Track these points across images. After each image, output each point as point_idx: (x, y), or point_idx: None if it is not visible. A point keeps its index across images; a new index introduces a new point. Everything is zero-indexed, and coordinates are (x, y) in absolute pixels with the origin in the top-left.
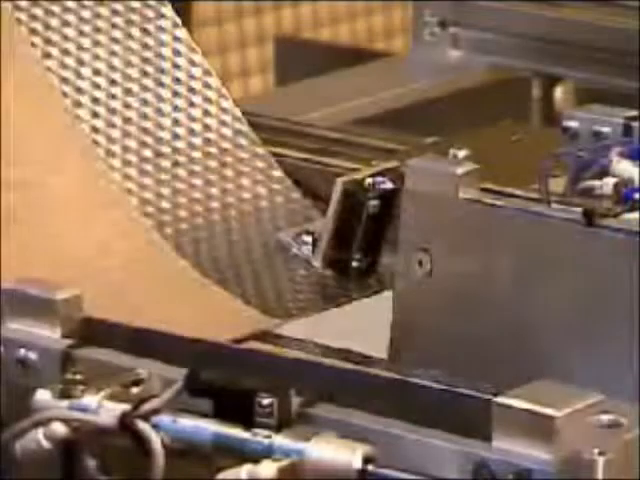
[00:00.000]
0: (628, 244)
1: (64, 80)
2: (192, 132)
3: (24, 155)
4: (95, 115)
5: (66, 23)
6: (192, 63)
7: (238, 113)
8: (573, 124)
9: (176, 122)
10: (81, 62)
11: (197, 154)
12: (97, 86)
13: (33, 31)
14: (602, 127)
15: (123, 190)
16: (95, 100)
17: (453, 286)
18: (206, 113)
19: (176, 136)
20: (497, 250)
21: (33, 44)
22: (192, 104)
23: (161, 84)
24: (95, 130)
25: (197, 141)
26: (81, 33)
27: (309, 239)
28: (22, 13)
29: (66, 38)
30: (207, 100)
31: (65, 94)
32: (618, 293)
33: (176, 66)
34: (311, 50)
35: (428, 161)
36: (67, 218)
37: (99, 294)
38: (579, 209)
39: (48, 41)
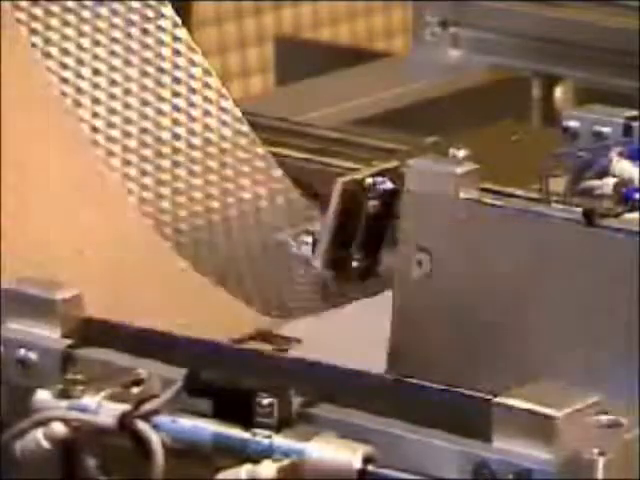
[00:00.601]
0: (628, 244)
1: (64, 80)
2: (192, 132)
3: (21, 154)
4: (95, 115)
5: (66, 23)
6: (192, 63)
7: (238, 113)
8: (573, 124)
9: (176, 122)
10: (81, 62)
11: (197, 154)
12: (97, 86)
13: (33, 31)
14: (602, 127)
15: (122, 190)
16: (95, 100)
17: (453, 286)
18: (206, 113)
19: (176, 136)
20: (497, 250)
21: (33, 44)
22: (192, 104)
23: (161, 84)
24: (95, 130)
25: (197, 141)
26: (81, 33)
27: (309, 239)
28: (22, 13)
29: (66, 38)
30: (207, 100)
31: (65, 94)
32: (618, 293)
33: (176, 66)
34: (311, 50)
35: (428, 161)
36: (64, 218)
37: (98, 294)
38: (579, 209)
39: (48, 41)
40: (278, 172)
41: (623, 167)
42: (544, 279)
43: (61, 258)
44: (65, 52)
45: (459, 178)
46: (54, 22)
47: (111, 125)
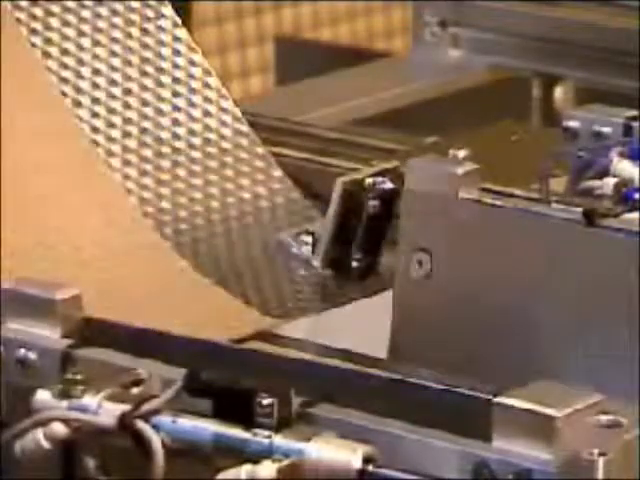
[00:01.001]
0: (628, 244)
1: (64, 80)
2: (192, 132)
3: (21, 152)
4: (95, 115)
5: (66, 23)
6: (192, 63)
7: (238, 113)
8: (573, 124)
9: (176, 122)
10: (81, 62)
11: (197, 154)
12: (97, 86)
13: (33, 31)
14: (602, 127)
15: (123, 190)
16: (95, 100)
17: (453, 286)
18: (206, 113)
19: (176, 136)
20: (497, 250)
21: (33, 44)
22: (192, 104)
23: (161, 84)
24: (95, 130)
25: (197, 141)
26: (81, 33)
27: (309, 239)
28: (22, 13)
29: (66, 38)
30: (207, 100)
31: (65, 94)
32: (618, 293)
33: (176, 66)
34: (311, 50)
35: (428, 161)
36: (64, 218)
37: (98, 295)
38: (579, 209)
39: (48, 41)
40: (278, 172)
41: (623, 167)
42: (544, 279)
43: (61, 258)
44: (65, 52)
45: (459, 178)
46: (54, 22)
47: (111, 125)
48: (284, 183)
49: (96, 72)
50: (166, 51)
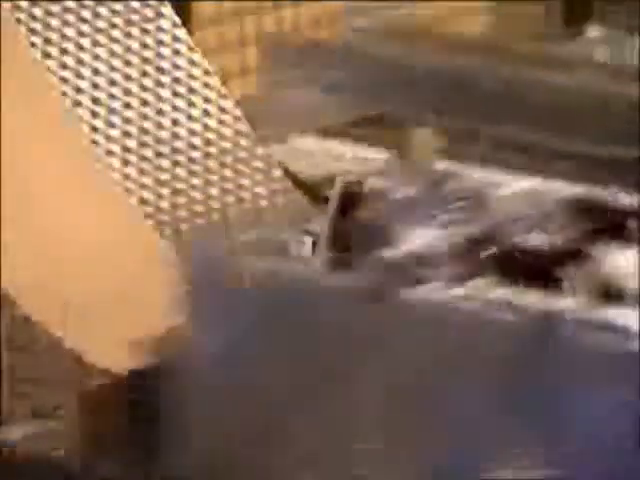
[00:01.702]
0: (421, 316)
1: (64, 80)
2: (192, 132)
3: (20, 154)
4: (95, 115)
5: (66, 23)
6: (192, 63)
7: (238, 113)
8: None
9: (176, 122)
10: (81, 62)
11: (197, 154)
12: (97, 86)
13: (33, 31)
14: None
15: (123, 190)
16: (95, 100)
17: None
18: (206, 113)
19: (176, 136)
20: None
21: (33, 44)
22: (192, 104)
23: (161, 84)
24: (95, 130)
25: (197, 141)
26: (81, 33)
27: (309, 239)
28: (22, 13)
29: (66, 38)
30: (207, 100)
31: (65, 94)
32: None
33: (176, 66)
34: (309, 50)
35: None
36: (62, 218)
37: (98, 293)
38: (366, 284)
39: (48, 41)
40: (278, 172)
41: (417, 237)
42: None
43: (60, 258)
44: (65, 52)
45: None
46: (54, 22)
47: (111, 125)
48: (284, 183)
49: (96, 72)
50: (166, 51)
